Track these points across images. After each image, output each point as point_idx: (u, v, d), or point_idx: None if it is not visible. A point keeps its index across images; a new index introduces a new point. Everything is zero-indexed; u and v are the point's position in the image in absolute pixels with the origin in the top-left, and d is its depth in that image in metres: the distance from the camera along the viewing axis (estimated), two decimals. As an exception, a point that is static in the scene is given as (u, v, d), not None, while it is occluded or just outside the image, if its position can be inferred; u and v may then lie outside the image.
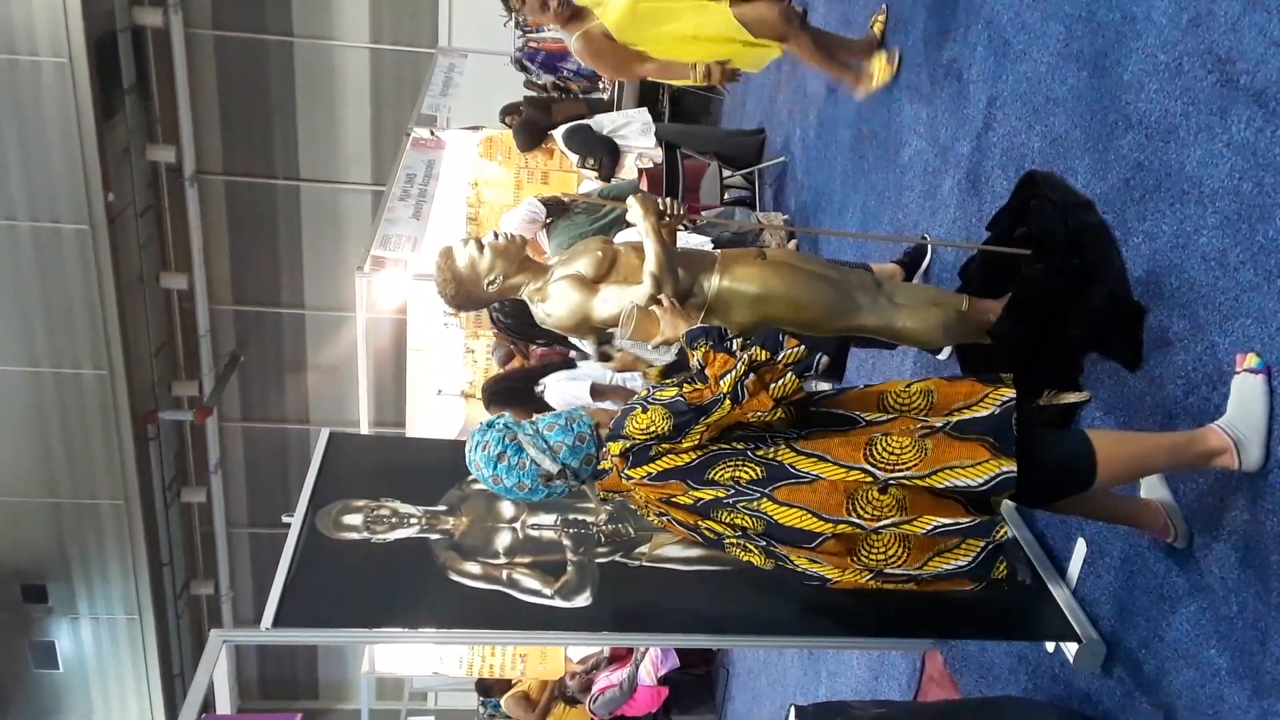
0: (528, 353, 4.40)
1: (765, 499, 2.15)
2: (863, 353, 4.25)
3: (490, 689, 8.43)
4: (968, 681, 3.36)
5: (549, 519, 3.02)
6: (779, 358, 2.18)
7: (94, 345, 10.74)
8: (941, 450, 2.08)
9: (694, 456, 2.20)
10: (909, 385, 2.27)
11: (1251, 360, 2.20)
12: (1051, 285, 2.77)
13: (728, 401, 2.14)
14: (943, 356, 3.61)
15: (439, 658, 7.06)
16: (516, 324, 4.28)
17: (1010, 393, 2.16)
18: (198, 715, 2.98)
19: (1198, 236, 2.38)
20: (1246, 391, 2.19)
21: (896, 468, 2.08)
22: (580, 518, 3.02)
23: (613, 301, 2.74)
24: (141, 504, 11.41)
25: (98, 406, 11.02)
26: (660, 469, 2.21)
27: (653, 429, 2.18)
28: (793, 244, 5.10)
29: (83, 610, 12.04)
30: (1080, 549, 2.77)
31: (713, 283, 2.77)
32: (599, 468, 2.33)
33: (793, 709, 2.74)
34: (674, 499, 2.24)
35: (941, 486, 2.07)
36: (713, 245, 4.36)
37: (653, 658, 6.56)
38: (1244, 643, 2.15)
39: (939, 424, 2.14)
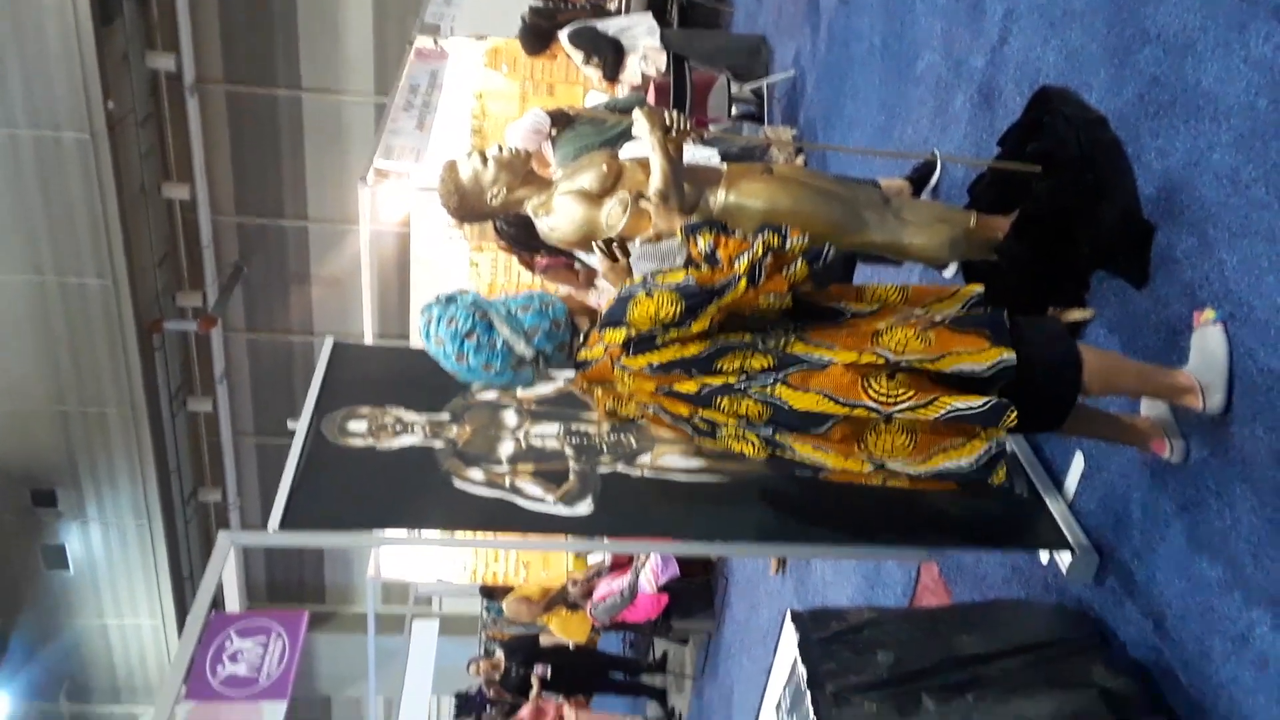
0: (532, 264, 4.39)
1: (779, 384, 2.15)
2: (868, 268, 4.24)
3: (493, 593, 8.61)
4: (961, 591, 3.43)
5: (552, 428, 3.05)
6: (789, 245, 2.18)
7: (97, 254, 10.72)
8: (945, 339, 2.14)
9: (701, 348, 2.18)
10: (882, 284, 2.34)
11: (1209, 315, 2.29)
12: (1061, 202, 2.75)
13: (744, 282, 2.13)
14: (949, 274, 3.60)
15: (443, 564, 7.20)
16: (520, 236, 4.27)
17: (977, 289, 2.28)
18: (207, 613, 3.05)
19: (1210, 154, 2.35)
20: (1207, 342, 2.28)
21: (906, 353, 2.11)
22: (583, 427, 3.06)
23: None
24: (148, 412, 11.51)
25: (102, 316, 11.05)
26: (665, 359, 2.18)
27: (662, 314, 2.13)
28: (800, 160, 5.05)
29: (92, 515, 12.24)
30: (1078, 463, 2.80)
31: (719, 198, 2.75)
32: (581, 357, 2.28)
33: (789, 614, 2.80)
34: (675, 389, 2.21)
35: (949, 371, 2.12)
36: (720, 159, 4.32)
37: (653, 566, 6.68)
38: (1235, 555, 2.19)
39: (938, 318, 2.20)
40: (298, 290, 12.75)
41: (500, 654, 8.27)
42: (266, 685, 2.92)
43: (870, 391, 2.11)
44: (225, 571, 3.30)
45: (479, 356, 2.23)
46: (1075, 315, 2.84)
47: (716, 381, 2.18)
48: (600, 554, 7.48)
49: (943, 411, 2.09)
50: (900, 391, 2.10)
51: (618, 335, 2.19)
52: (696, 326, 2.15)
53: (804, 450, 2.22)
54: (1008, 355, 2.12)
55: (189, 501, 13.00)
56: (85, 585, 12.83)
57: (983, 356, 2.12)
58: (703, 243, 2.25)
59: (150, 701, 13.03)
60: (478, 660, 9.24)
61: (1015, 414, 2.11)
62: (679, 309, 2.13)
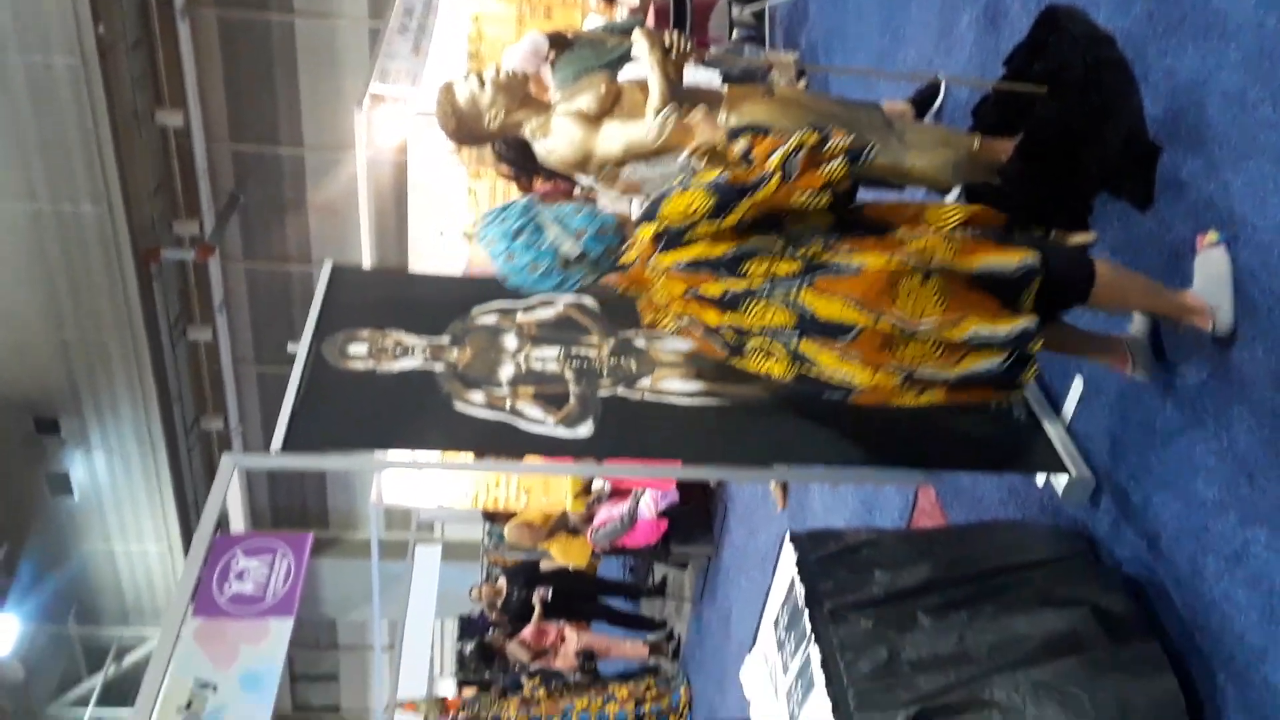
0: (531, 189, 4.36)
1: (805, 288, 2.15)
2: (869, 194, 4.21)
3: (495, 518, 8.70)
4: (958, 514, 3.47)
5: (552, 351, 3.05)
6: (829, 145, 2.16)
7: (91, 181, 10.62)
8: (971, 244, 2.17)
9: (728, 248, 2.18)
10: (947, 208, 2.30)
11: (1212, 237, 2.30)
12: (1066, 124, 2.72)
13: (777, 177, 2.13)
14: (951, 197, 3.57)
15: (444, 490, 7.27)
16: (518, 160, 4.23)
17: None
18: (212, 534, 3.09)
19: (1218, 73, 2.32)
20: (1211, 264, 2.28)
21: (935, 257, 2.13)
22: (583, 351, 3.06)
23: (615, 138, 2.70)
24: (148, 340, 11.52)
25: (98, 243, 11.00)
26: (692, 257, 2.20)
27: (694, 208, 2.14)
28: (802, 83, 4.98)
29: (95, 442, 12.33)
30: (1077, 386, 2.82)
31: (720, 120, 2.72)
32: (621, 261, 2.30)
33: (788, 535, 2.84)
34: (701, 291, 2.22)
35: (978, 269, 2.14)
36: (721, 82, 4.26)
37: (653, 492, 6.74)
38: (1230, 476, 2.21)
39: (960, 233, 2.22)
40: (294, 218, 12.66)
41: (502, 580, 8.40)
42: (273, 603, 2.97)
43: (897, 302, 2.11)
44: (229, 494, 3.33)
45: (527, 255, 2.28)
46: (1078, 238, 2.83)
47: (741, 286, 2.18)
48: (600, 480, 7.54)
49: (967, 334, 2.11)
50: (930, 303, 2.11)
51: (648, 231, 2.21)
52: (728, 221, 2.14)
53: (829, 363, 2.18)
54: (1032, 258, 2.16)
55: (191, 429, 13.07)
56: (91, 511, 12.98)
57: (1009, 257, 2.16)
58: (740, 144, 2.24)
59: (158, 624, 13.27)
60: (479, 586, 9.38)
61: (1040, 342, 2.15)
62: (711, 203, 2.13)
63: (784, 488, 5.71)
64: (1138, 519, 2.51)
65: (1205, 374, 2.34)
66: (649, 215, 2.21)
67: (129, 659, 14.79)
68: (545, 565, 8.31)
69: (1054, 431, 2.80)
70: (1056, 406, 2.91)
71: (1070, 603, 2.53)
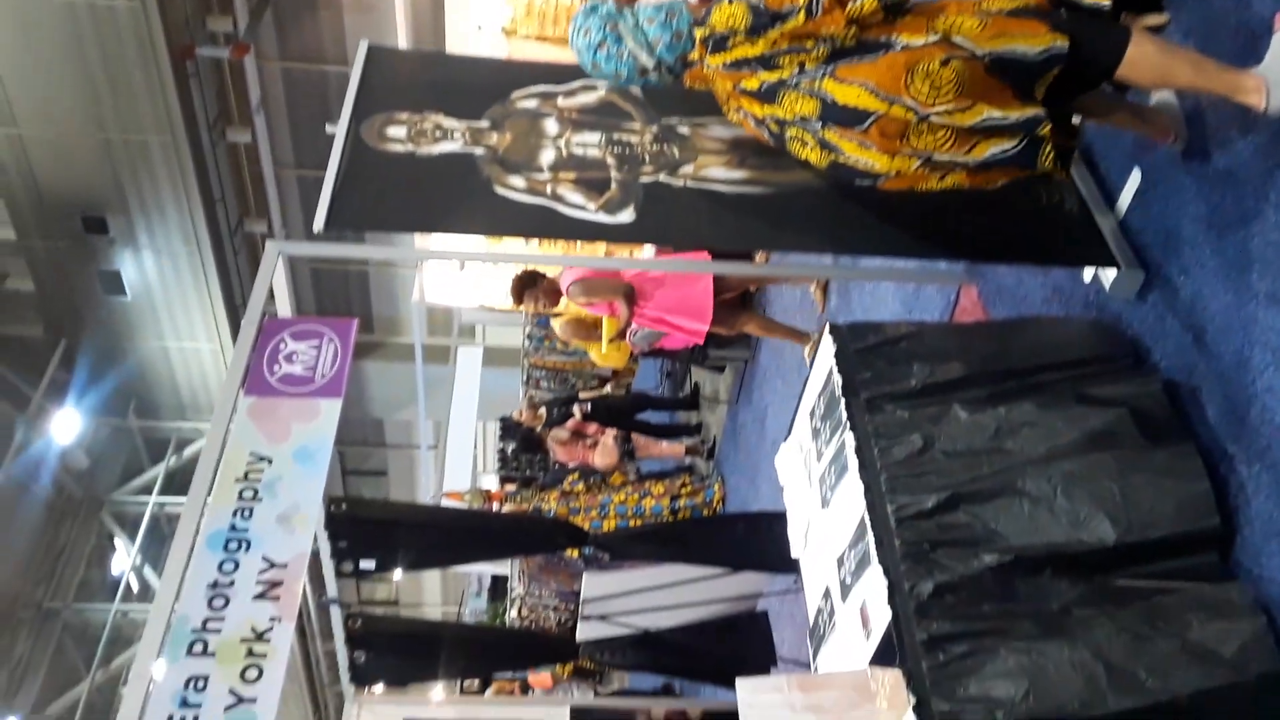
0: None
1: (826, 77, 2.27)
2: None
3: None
4: (1000, 313, 3.44)
5: (594, 137, 2.99)
6: None
7: (123, -27, 10.34)
8: (1002, 23, 2.20)
9: (765, 48, 2.31)
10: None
11: None
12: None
13: (802, 14, 2.24)
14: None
15: (485, 290, 7.32)
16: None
17: None
18: (261, 317, 3.15)
19: None
20: None
21: (961, 31, 2.19)
22: (625, 137, 2.99)
23: None
24: (188, 139, 11.46)
25: (134, 39, 10.79)
26: (734, 58, 2.34)
27: (732, 23, 2.29)
28: None
29: (143, 242, 12.48)
30: (1134, 179, 2.73)
31: None
32: (689, 58, 2.44)
33: (827, 325, 2.84)
34: (743, 85, 2.37)
35: (1000, 51, 2.18)
36: None
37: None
38: (1286, 267, 2.16)
39: (995, 9, 2.23)
40: (329, 15, 12.29)
41: (543, 410, 8.56)
42: (322, 384, 3.05)
43: (912, 88, 2.19)
44: (275, 282, 3.38)
45: (609, 65, 2.44)
46: (1150, 20, 2.67)
47: (774, 77, 2.32)
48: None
49: (978, 120, 2.20)
50: (944, 89, 2.17)
51: (700, 33, 2.36)
52: (759, 46, 2.30)
53: (851, 150, 2.31)
54: (1061, 43, 2.17)
55: (235, 232, 13.17)
56: (144, 310, 13.27)
57: (1037, 40, 2.18)
58: None
59: (214, 420, 13.78)
60: (520, 409, 9.60)
61: (1047, 127, 2.21)
62: (747, 22, 2.29)
63: (824, 289, 5.69)
64: (1185, 313, 2.48)
65: (1272, 162, 2.24)
66: (699, 20, 2.37)
67: (188, 451, 15.47)
68: (584, 396, 8.44)
69: (1106, 224, 2.73)
70: (1111, 200, 2.82)
71: (1108, 403, 2.53)
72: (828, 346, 2.86)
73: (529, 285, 5.56)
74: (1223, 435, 2.31)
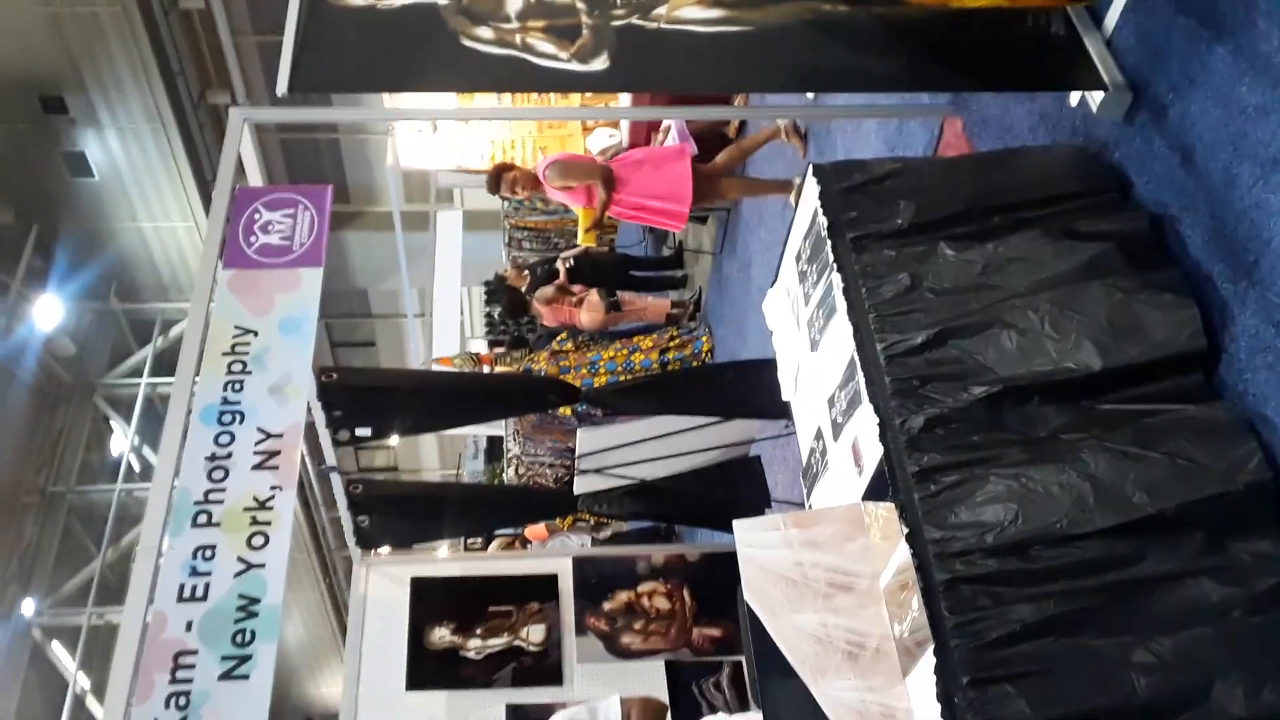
0: None
1: None
2: None
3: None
4: (985, 145, 3.38)
5: (561, -19, 2.86)
6: None
7: None
8: None
9: None
10: None
11: None
12: None
13: None
14: None
15: (461, 151, 7.18)
16: None
17: None
18: (232, 187, 3.08)
19: None
20: None
21: None
22: (594, -22, 2.86)
23: None
24: (139, 7, 10.99)
25: (69, -101, 10.25)
26: None
27: None
28: None
29: (105, 120, 12.12)
30: (1122, -5, 2.64)
31: None
32: None
33: (811, 166, 2.79)
34: None
35: None
36: None
37: (671, 145, 6.62)
38: (1276, 79, 2.11)
39: None
40: None
41: (526, 271, 8.49)
42: (301, 253, 3.01)
43: None
44: (244, 153, 3.29)
45: None
46: None
47: None
48: (617, 137, 7.42)
49: None
50: None
51: None
52: None
53: None
54: None
55: (199, 105, 12.77)
56: (114, 191, 13.00)
57: None
58: None
59: (196, 299, 13.68)
60: (505, 270, 9.51)
61: None
62: None
63: (803, 136, 5.59)
64: (1173, 132, 2.44)
65: (1264, -31, 2.17)
66: None
67: (174, 331, 15.41)
68: (566, 254, 8.35)
69: (1093, 45, 2.66)
70: (1098, 20, 2.74)
71: (1095, 236, 2.51)
72: (811, 188, 2.81)
73: (504, 172, 5.48)
74: (1210, 256, 2.31)
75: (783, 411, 3.77)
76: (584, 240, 5.46)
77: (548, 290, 7.95)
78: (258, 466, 2.60)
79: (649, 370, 7.00)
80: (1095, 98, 2.64)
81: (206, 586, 2.40)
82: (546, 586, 4.77)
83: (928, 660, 2.04)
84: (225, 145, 3.12)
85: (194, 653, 2.30)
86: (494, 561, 5.87)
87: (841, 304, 2.59)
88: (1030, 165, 2.76)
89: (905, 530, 2.17)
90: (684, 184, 4.97)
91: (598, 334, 8.00)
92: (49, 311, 13.62)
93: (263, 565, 2.44)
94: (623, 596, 4.78)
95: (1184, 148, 2.39)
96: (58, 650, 13.84)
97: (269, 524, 2.49)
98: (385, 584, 4.73)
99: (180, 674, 2.27)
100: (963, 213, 2.66)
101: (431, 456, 19.09)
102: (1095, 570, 2.02)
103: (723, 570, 4.64)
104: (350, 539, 4.63)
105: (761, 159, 6.55)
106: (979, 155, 3.27)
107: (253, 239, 3.03)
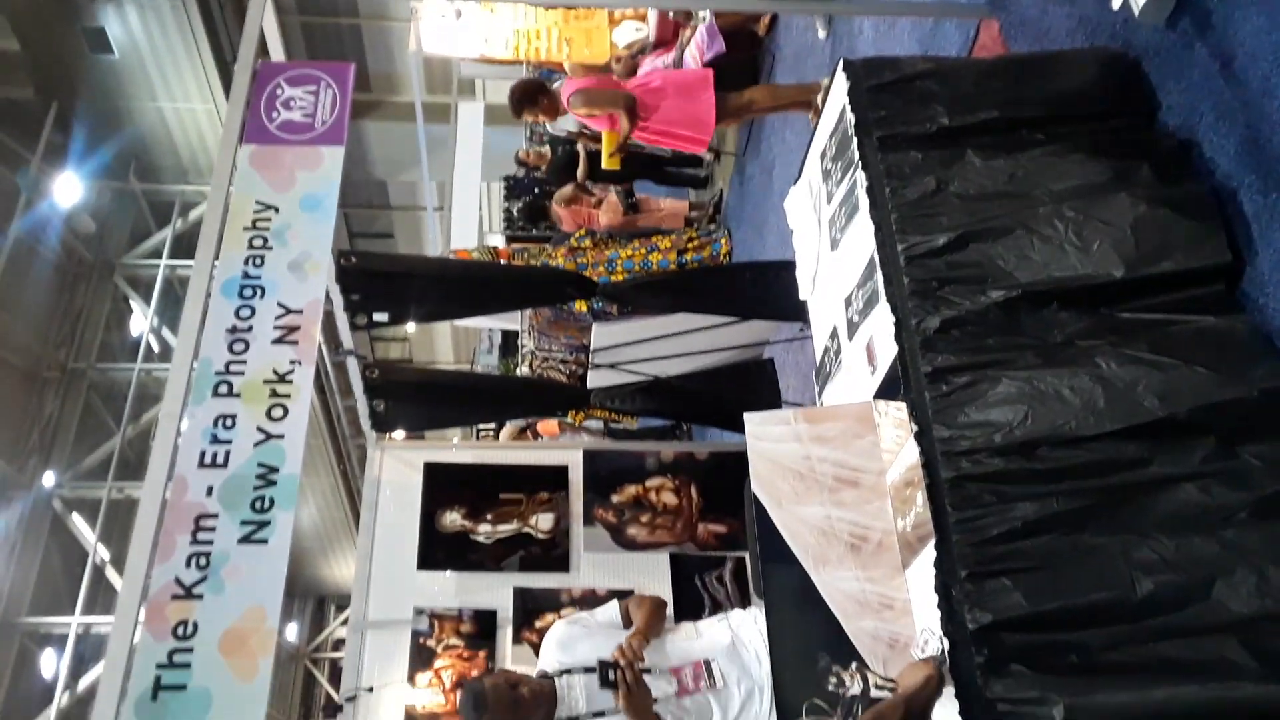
0: None
1: None
2: None
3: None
4: (1022, 48, 3.31)
5: None
6: None
7: None
8: None
9: None
10: None
11: None
12: None
13: None
14: None
15: (484, 38, 7.06)
16: None
17: None
18: (254, 60, 3.05)
19: None
20: None
21: None
22: None
23: None
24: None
25: None
26: None
27: None
28: None
29: (123, -5, 11.94)
30: (1172, -109, 2.55)
31: None
32: None
33: (841, 61, 2.75)
34: None
35: None
36: None
37: (698, 41, 6.50)
38: (1327, -15, 2.06)
39: None
40: None
41: (546, 147, 8.38)
42: (323, 130, 2.99)
43: None
44: (266, 30, 3.25)
45: None
46: None
47: None
48: (644, 31, 7.26)
49: None
50: None
51: None
52: None
53: None
54: None
55: (219, -22, 12.55)
56: (134, 68, 12.83)
57: None
58: None
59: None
60: (525, 149, 9.39)
61: None
62: None
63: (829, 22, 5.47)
64: (1214, 39, 2.38)
65: None
66: None
67: (193, 214, 15.42)
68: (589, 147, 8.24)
69: (1140, -55, 2.58)
70: (1146, -82, 2.65)
71: (1126, 149, 2.48)
72: (840, 84, 2.77)
73: (528, 101, 5.46)
74: (1241, 167, 2.28)
75: (798, 314, 3.78)
76: (608, 165, 5.43)
77: (566, 190, 7.88)
78: (278, 341, 2.63)
79: (666, 271, 6.98)
80: (1137, 1, 2.57)
81: (227, 454, 2.45)
82: (557, 477, 4.85)
83: (928, 554, 2.09)
84: (248, 16, 3.09)
85: (214, 516, 2.37)
86: (506, 451, 5.96)
87: (864, 203, 2.58)
88: (1065, 71, 2.69)
89: (915, 428, 2.20)
90: (708, 114, 4.94)
91: (616, 232, 7.95)
92: (69, 189, 13.61)
93: (281, 436, 2.49)
94: (631, 490, 4.86)
95: (1224, 55, 2.34)
96: (78, 522, 14.21)
97: (288, 397, 2.54)
98: (399, 468, 4.82)
99: (201, 536, 2.34)
100: (993, 121, 2.62)
101: (446, 350, 19.23)
102: (1101, 472, 2.04)
103: (730, 469, 4.71)
104: (365, 422, 4.70)
105: (790, 57, 6.41)
106: (1013, 57, 3.20)
107: (275, 114, 3.02)
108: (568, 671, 2.87)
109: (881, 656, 2.24)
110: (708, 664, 2.89)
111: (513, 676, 2.86)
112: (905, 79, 2.73)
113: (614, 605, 3.17)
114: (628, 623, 3.09)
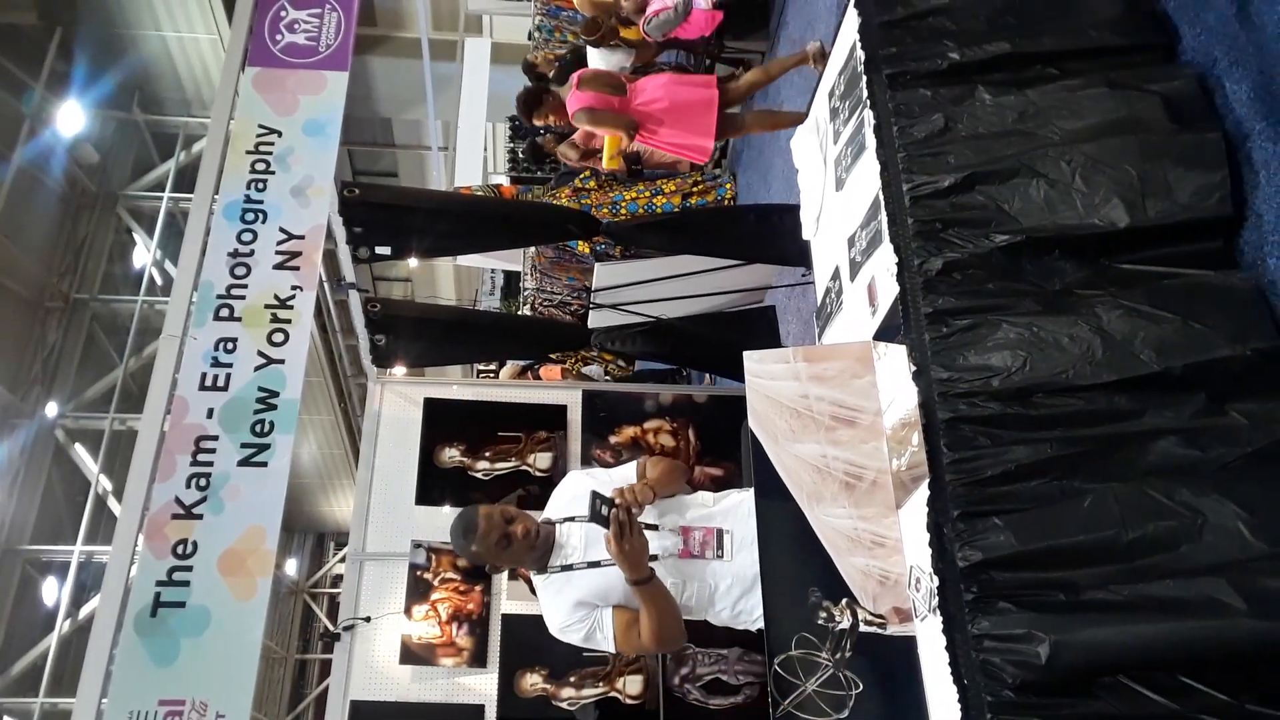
0: None
1: None
2: None
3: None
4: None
5: None
6: None
7: None
8: None
9: None
10: None
11: None
12: None
13: None
14: None
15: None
16: None
17: None
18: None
19: None
20: None
21: None
22: None
23: None
24: None
25: None
26: None
27: None
28: None
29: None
30: None
31: None
32: None
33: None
34: None
35: None
36: None
37: (710, -20, 6.41)
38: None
39: None
40: None
41: (554, 57, 8.25)
42: (326, 54, 2.96)
43: None
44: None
45: None
46: None
47: None
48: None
49: None
50: None
51: None
52: None
53: None
54: None
55: (223, -94, 12.33)
56: (135, -6, 12.71)
57: None
58: None
59: (219, 115, 13.47)
60: (534, 53, 9.22)
61: None
62: None
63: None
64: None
65: None
66: None
67: (197, 147, 15.29)
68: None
69: (1162, -116, 2.53)
70: None
71: (1139, 89, 2.45)
72: (851, 19, 2.74)
73: (535, 105, 5.61)
74: (1253, 113, 2.26)
75: (801, 259, 3.76)
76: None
77: (574, 142, 7.80)
78: (279, 266, 2.63)
79: (670, 213, 6.95)
80: (1156, -59, 2.53)
81: (228, 377, 2.46)
82: (555, 416, 4.88)
83: (921, 495, 2.10)
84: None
85: (215, 438, 2.39)
86: (506, 389, 5.98)
87: (871, 142, 2.56)
88: (1082, 5, 2.65)
89: (913, 369, 2.20)
90: (708, 133, 4.98)
91: (621, 176, 7.90)
92: (72, 117, 13.49)
93: (282, 361, 2.50)
94: (629, 431, 4.89)
95: (1241, -1, 2.31)
96: (80, 453, 14.29)
97: (289, 322, 2.54)
98: (399, 403, 4.84)
99: (201, 457, 2.36)
100: (1005, 56, 2.59)
101: (448, 289, 19.18)
102: (1095, 421, 2.05)
103: (728, 413, 4.74)
104: (365, 357, 4.71)
105: (800, 0, 6.33)
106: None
107: (279, 37, 2.98)
108: (570, 519, 2.77)
109: (872, 593, 2.27)
110: (720, 533, 2.74)
111: (510, 512, 2.74)
112: (918, 15, 2.70)
113: (632, 465, 3.00)
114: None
